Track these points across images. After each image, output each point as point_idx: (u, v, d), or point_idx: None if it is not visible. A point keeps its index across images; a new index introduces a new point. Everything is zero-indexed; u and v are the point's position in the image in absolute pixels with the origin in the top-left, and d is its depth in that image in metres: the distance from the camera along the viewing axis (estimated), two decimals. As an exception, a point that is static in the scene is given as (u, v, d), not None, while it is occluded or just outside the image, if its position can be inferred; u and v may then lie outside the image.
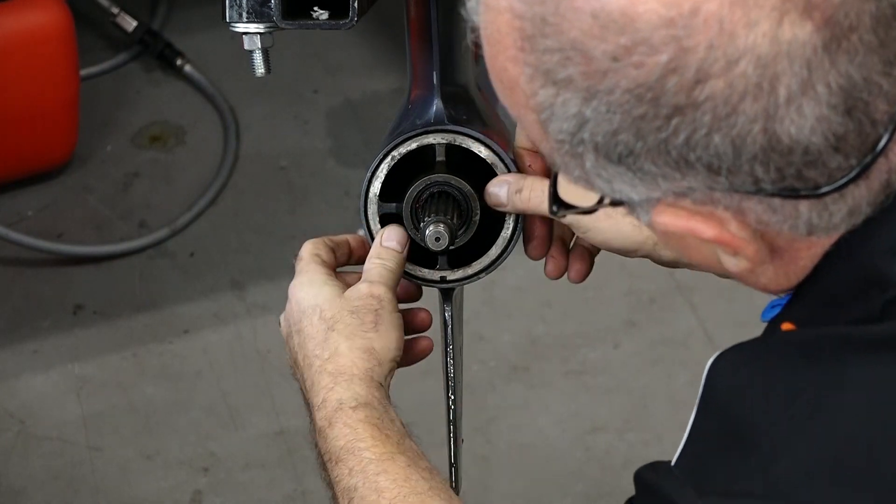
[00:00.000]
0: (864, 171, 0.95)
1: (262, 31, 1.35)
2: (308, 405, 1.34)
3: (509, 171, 1.36)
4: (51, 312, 2.89)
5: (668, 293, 2.90)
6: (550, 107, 0.96)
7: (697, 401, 1.03)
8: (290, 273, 3.18)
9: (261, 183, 3.19)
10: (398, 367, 1.36)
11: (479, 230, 1.38)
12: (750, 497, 0.97)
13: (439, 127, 1.36)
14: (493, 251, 1.39)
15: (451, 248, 1.36)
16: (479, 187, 1.37)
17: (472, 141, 1.36)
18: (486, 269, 1.40)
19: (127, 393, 2.75)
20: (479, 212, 1.37)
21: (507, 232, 1.38)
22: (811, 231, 0.99)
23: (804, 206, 0.97)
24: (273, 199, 3.15)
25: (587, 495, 2.57)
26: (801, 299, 1.05)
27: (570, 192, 1.05)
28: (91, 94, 3.29)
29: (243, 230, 3.08)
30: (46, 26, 2.94)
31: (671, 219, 0.98)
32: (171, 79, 3.44)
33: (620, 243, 1.35)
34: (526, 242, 1.41)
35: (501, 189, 1.34)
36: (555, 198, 1.08)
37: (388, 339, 1.31)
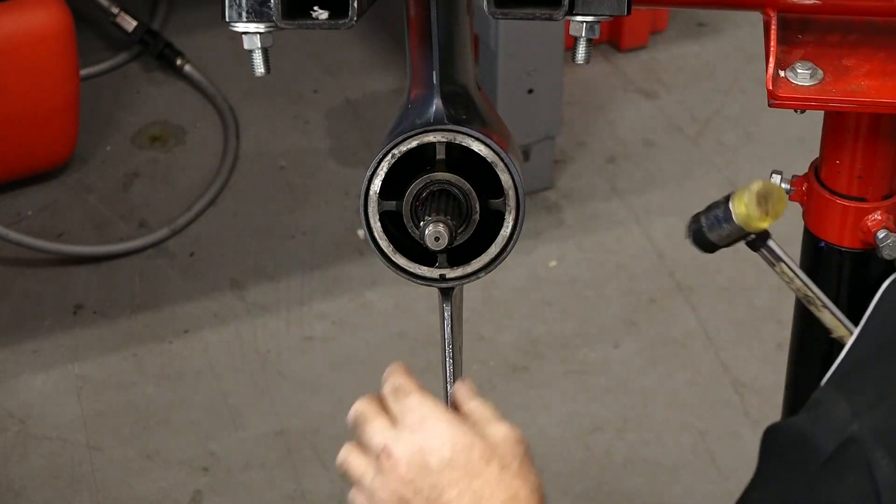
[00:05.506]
0: None
1: (261, 30, 1.34)
2: None
3: (509, 170, 1.37)
4: (51, 312, 2.89)
5: (668, 293, 2.90)
6: None
7: (864, 319, 0.97)
8: (288, 273, 3.18)
9: (261, 183, 3.19)
10: None
11: (479, 228, 1.39)
12: None
13: (439, 126, 1.36)
14: (493, 249, 1.39)
15: (451, 246, 1.36)
16: (479, 186, 1.37)
17: (472, 140, 1.36)
18: (486, 268, 1.40)
19: (127, 393, 2.75)
20: (478, 210, 1.38)
21: (506, 230, 1.39)
22: None
23: None
24: (273, 199, 3.15)
25: (587, 495, 2.57)
26: None
27: None
28: (91, 94, 3.29)
29: (243, 230, 3.08)
30: (46, 26, 2.94)
31: None
32: (171, 79, 3.44)
33: None
34: None
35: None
36: None
37: (543, 484, 1.28)
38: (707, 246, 1.38)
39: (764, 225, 1.33)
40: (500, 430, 1.28)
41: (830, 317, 1.36)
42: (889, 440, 0.87)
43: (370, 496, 1.26)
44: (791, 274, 1.36)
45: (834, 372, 0.95)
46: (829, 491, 0.91)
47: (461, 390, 1.35)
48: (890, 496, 0.86)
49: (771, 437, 1.00)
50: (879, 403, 0.90)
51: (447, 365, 1.45)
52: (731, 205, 1.31)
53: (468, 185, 1.37)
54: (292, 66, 3.45)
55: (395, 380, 1.32)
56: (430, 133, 1.36)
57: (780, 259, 1.36)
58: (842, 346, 1.23)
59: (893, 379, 0.92)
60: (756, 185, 1.30)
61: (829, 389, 0.93)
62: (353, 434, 1.32)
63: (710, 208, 1.35)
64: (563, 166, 3.18)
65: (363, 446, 1.30)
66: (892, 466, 0.86)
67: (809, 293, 1.36)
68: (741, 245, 3.34)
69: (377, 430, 1.28)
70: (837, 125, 1.54)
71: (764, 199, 1.31)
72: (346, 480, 1.31)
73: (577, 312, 2.85)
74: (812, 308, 1.36)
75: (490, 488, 1.22)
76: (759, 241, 1.35)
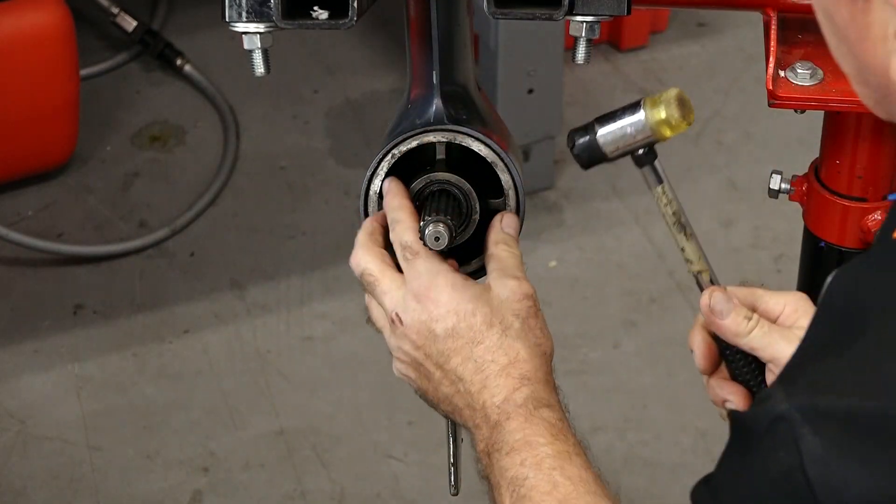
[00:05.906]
0: None
1: (261, 30, 1.35)
2: (452, 406, 1.31)
3: (509, 170, 1.37)
4: (51, 312, 2.89)
5: (668, 293, 2.90)
6: None
7: (811, 319, 1.02)
8: (288, 273, 3.16)
9: (261, 183, 3.19)
10: None
11: (479, 228, 1.39)
12: (836, 393, 0.95)
13: (439, 126, 1.36)
14: (493, 250, 1.40)
15: (451, 246, 1.36)
16: (479, 186, 1.38)
17: (472, 140, 1.37)
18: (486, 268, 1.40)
19: (127, 393, 2.75)
20: (478, 210, 1.38)
21: (506, 231, 1.39)
22: None
23: None
24: (273, 199, 3.15)
25: (587, 495, 2.57)
26: None
27: None
28: (91, 94, 3.29)
29: (243, 230, 3.08)
30: (46, 26, 2.94)
31: None
32: (171, 79, 3.44)
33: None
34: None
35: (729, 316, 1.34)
36: None
37: (550, 338, 1.35)
38: (593, 157, 1.37)
39: (674, 132, 1.33)
40: (507, 286, 1.31)
41: (695, 248, 1.39)
42: (814, 418, 0.94)
43: (394, 351, 1.35)
44: (670, 196, 1.36)
45: (782, 371, 1.01)
46: (761, 465, 0.97)
47: (497, 231, 1.35)
48: (813, 467, 0.93)
49: (730, 424, 1.07)
50: (808, 389, 0.96)
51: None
52: (644, 110, 1.31)
53: (468, 185, 1.37)
54: (292, 66, 3.45)
55: (400, 234, 1.33)
56: (430, 133, 1.37)
57: (661, 180, 1.36)
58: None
59: (825, 370, 0.97)
60: (674, 90, 1.31)
61: (774, 384, 1.00)
62: (363, 287, 1.36)
63: (611, 115, 1.34)
64: (563, 166, 3.18)
65: (378, 300, 1.34)
66: (816, 442, 0.93)
67: (682, 219, 1.37)
68: (740, 246, 3.33)
69: (386, 292, 1.33)
70: (837, 125, 1.54)
71: (681, 104, 1.32)
72: (373, 329, 1.39)
73: (577, 312, 2.85)
74: (680, 237, 1.38)
75: (491, 354, 1.29)
76: (648, 157, 1.35)
